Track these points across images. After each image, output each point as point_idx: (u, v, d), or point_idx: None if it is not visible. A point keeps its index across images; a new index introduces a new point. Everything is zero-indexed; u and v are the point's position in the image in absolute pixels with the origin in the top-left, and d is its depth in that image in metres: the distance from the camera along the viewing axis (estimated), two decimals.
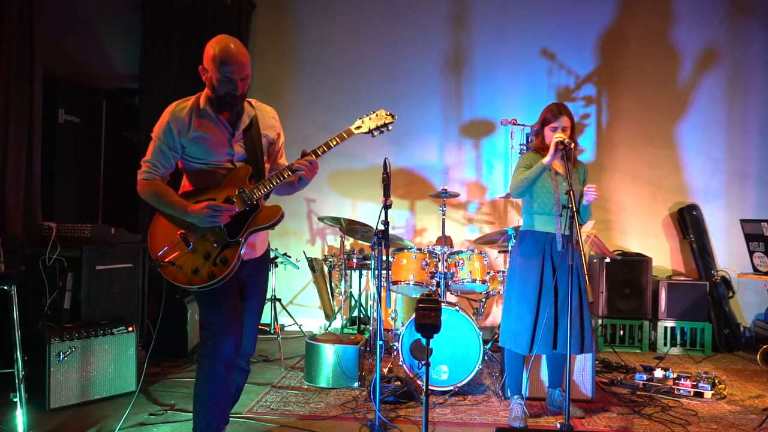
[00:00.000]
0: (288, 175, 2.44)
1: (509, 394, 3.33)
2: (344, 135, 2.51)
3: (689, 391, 3.68)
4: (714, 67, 5.46)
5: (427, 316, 2.46)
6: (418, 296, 2.62)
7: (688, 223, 5.36)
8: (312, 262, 5.31)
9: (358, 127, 2.55)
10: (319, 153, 2.47)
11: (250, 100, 2.57)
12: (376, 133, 2.57)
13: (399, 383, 3.55)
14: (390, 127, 2.58)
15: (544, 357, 3.46)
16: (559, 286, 3.13)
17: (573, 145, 3.05)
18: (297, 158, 2.47)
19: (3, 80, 3.85)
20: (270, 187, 2.44)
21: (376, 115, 2.56)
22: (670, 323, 5.00)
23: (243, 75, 2.36)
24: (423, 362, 2.50)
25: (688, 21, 5.46)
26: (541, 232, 3.21)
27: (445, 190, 4.18)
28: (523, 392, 3.28)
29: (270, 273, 4.73)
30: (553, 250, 3.17)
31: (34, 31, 4.03)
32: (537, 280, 3.16)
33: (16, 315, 2.79)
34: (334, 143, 2.49)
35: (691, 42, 5.46)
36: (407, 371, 3.66)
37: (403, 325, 3.84)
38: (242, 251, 2.43)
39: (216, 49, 2.33)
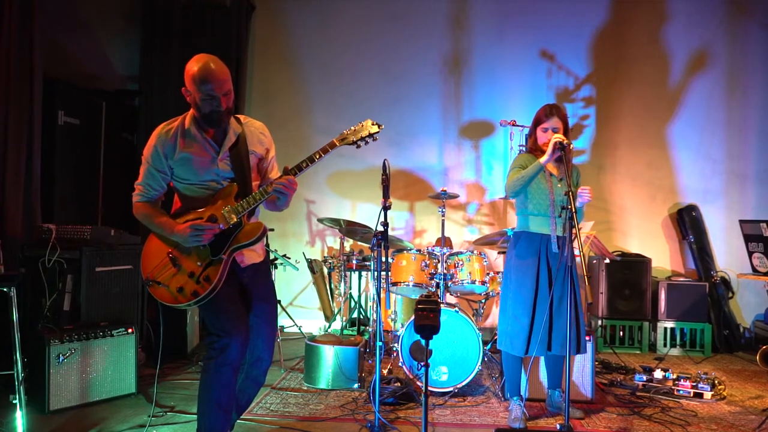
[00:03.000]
0: (273, 190, 2.45)
1: (508, 396, 3.33)
2: (327, 148, 2.50)
3: (689, 392, 3.68)
4: (713, 68, 5.46)
5: (427, 318, 2.46)
6: (418, 297, 2.62)
7: (688, 224, 5.36)
8: (311, 264, 5.31)
9: (343, 139, 2.55)
10: (303, 167, 2.48)
11: (239, 116, 2.59)
12: (361, 144, 2.58)
13: (399, 384, 3.55)
14: (376, 137, 2.58)
15: (542, 358, 3.47)
16: (554, 288, 3.13)
17: (571, 146, 3.07)
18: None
19: (3, 82, 3.85)
20: (252, 203, 2.45)
21: (362, 125, 2.58)
22: (669, 324, 5.00)
23: (225, 90, 2.37)
24: (422, 363, 2.50)
25: (687, 22, 5.47)
26: (537, 233, 3.22)
27: (445, 191, 4.18)
28: (522, 393, 3.28)
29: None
30: (549, 251, 3.18)
31: (33, 33, 4.03)
32: (533, 282, 3.16)
33: (15, 317, 2.79)
34: (318, 157, 2.49)
35: (690, 43, 5.47)
36: (407, 372, 3.67)
37: (402, 326, 3.84)
38: (226, 269, 2.45)
39: (195, 68, 2.34)
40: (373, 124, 2.58)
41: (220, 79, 2.34)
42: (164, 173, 2.49)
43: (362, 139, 2.57)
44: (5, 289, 2.77)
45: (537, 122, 3.26)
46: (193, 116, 2.46)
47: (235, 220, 2.45)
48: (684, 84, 5.49)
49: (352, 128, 2.58)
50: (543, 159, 3.09)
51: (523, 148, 4.98)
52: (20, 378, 2.75)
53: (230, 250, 2.46)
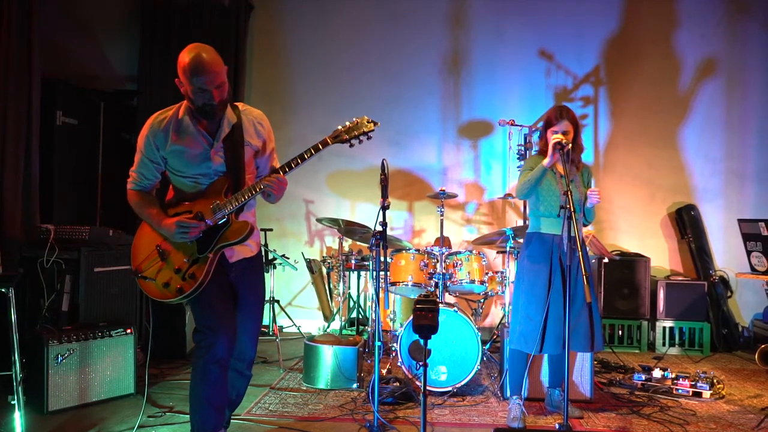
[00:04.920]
0: (260, 189, 2.39)
1: (509, 395, 3.33)
2: (319, 146, 2.38)
3: (688, 391, 3.68)
4: (712, 68, 5.46)
5: (425, 317, 2.47)
6: (417, 297, 2.62)
7: (687, 223, 5.36)
8: (310, 264, 5.31)
9: (336, 136, 2.43)
10: (293, 165, 2.40)
11: (237, 104, 2.51)
12: (354, 143, 2.44)
13: (398, 384, 3.55)
14: (371, 136, 2.43)
15: (545, 357, 3.47)
16: (567, 287, 3.13)
17: (571, 146, 3.07)
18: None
19: (1, 82, 3.85)
20: (241, 201, 2.40)
21: (356, 122, 2.43)
22: (668, 323, 5.00)
23: (218, 83, 2.29)
24: (421, 363, 2.50)
25: (687, 22, 5.47)
26: (548, 234, 3.24)
27: (444, 190, 4.18)
28: (522, 393, 3.28)
29: (268, 274, 4.72)
30: (561, 252, 3.19)
31: (32, 33, 4.03)
32: (545, 282, 3.17)
33: (14, 317, 2.79)
34: (308, 155, 2.39)
35: (689, 43, 5.47)
36: (406, 372, 3.67)
37: (401, 326, 3.84)
38: (212, 267, 2.42)
39: (186, 59, 2.26)
40: (369, 122, 2.43)
41: (213, 71, 2.26)
42: (157, 164, 2.46)
43: (356, 137, 2.43)
44: (3, 290, 2.77)
45: (547, 124, 3.26)
46: (187, 106, 2.40)
47: (225, 216, 2.41)
48: (683, 84, 5.49)
49: (347, 124, 2.44)
50: (546, 161, 3.12)
51: (522, 148, 4.99)
52: (19, 379, 2.74)
53: (216, 248, 2.43)
